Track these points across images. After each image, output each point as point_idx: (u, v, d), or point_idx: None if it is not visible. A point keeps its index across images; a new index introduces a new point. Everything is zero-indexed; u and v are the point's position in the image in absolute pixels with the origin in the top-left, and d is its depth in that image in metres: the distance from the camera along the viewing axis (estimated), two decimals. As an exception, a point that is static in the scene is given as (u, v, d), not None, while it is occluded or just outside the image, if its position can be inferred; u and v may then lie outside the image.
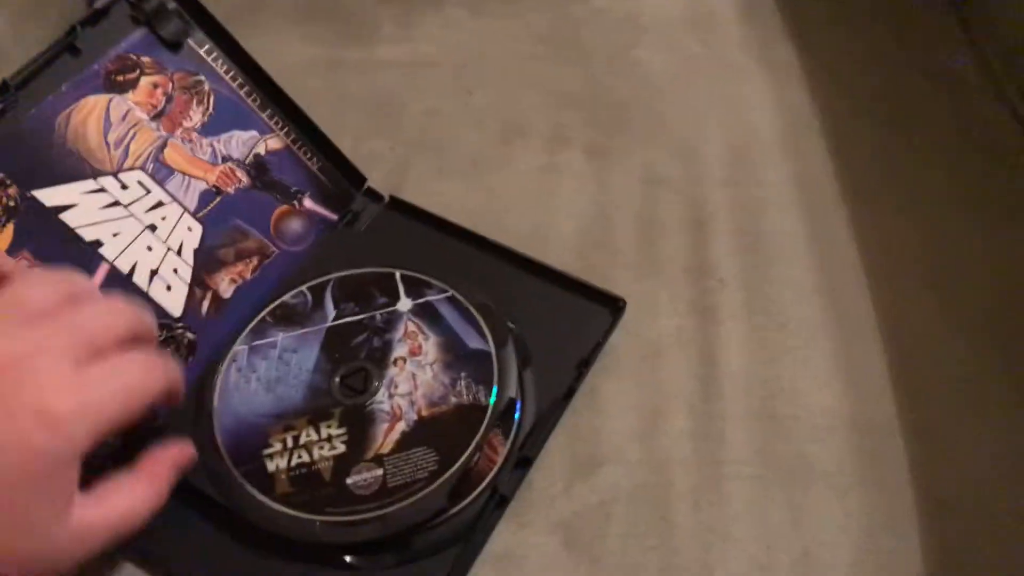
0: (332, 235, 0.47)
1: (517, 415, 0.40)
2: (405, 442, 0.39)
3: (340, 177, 0.49)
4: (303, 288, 0.44)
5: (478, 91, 0.57)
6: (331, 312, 0.43)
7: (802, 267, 0.47)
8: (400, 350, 0.42)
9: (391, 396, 0.40)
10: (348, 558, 0.37)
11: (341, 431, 0.40)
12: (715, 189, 0.50)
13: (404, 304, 0.43)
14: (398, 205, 0.49)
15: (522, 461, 0.40)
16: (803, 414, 0.42)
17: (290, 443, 0.39)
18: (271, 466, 0.39)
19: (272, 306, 0.44)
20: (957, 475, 0.40)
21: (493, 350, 0.41)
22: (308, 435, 0.40)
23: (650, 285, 0.46)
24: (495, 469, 0.39)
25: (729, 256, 0.47)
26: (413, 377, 0.41)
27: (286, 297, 0.44)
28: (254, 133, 0.46)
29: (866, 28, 0.60)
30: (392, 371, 0.41)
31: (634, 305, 0.44)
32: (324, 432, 0.40)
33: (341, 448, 0.39)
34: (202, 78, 0.44)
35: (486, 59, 0.59)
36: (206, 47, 0.44)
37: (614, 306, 0.44)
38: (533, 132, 0.55)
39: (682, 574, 0.38)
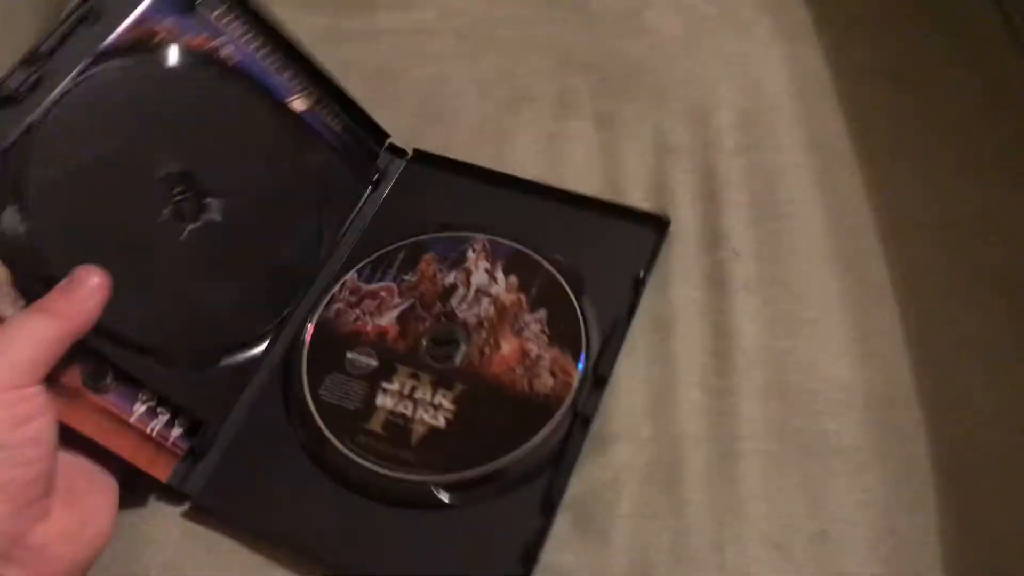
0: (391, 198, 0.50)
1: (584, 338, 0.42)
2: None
3: (364, 135, 0.49)
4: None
5: (482, 57, 0.55)
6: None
7: (817, 236, 0.45)
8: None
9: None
10: (443, 496, 0.38)
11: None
12: (728, 156, 0.49)
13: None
14: (422, 158, 0.50)
15: (598, 381, 0.41)
16: (819, 387, 0.41)
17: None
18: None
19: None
20: (976, 449, 0.39)
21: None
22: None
23: (662, 256, 0.45)
24: (572, 392, 0.40)
25: (743, 225, 0.46)
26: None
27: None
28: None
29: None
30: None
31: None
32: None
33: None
34: (219, 42, 0.43)
35: (489, 24, 0.57)
36: (219, 11, 0.43)
37: (658, 223, 0.46)
38: (540, 99, 0.53)
39: (694, 553, 0.37)
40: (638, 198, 0.48)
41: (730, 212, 0.47)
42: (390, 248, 0.46)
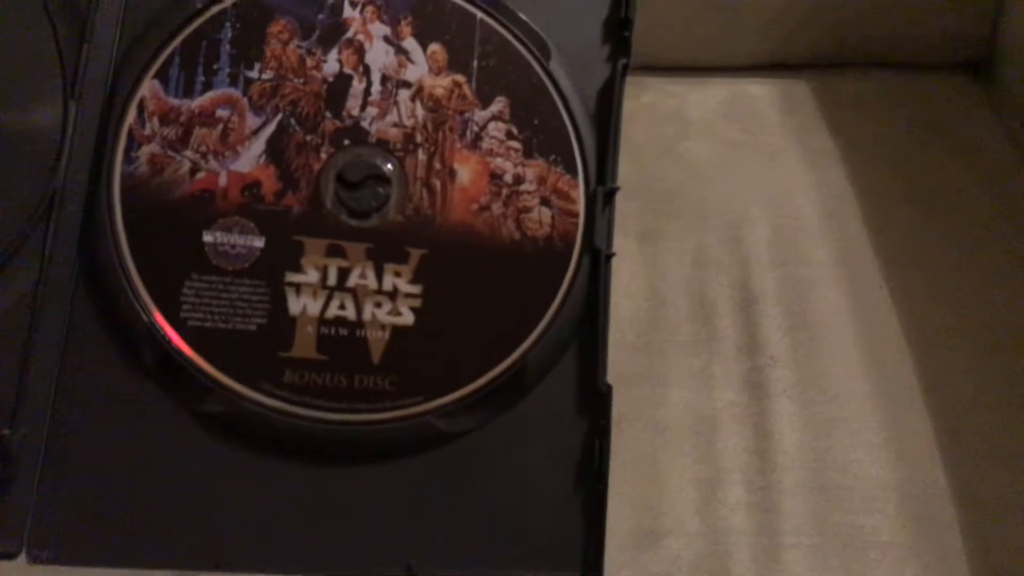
0: None
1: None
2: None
3: None
4: None
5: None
6: None
7: (849, 343, 0.49)
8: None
9: None
10: (448, 424, 0.28)
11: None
12: (762, 270, 0.53)
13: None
14: None
15: (609, 196, 0.30)
16: (856, 485, 0.44)
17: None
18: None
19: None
20: (1008, 544, 0.41)
21: None
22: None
23: (704, 362, 0.49)
24: (581, 221, 0.29)
25: (778, 333, 0.50)
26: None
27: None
28: None
29: (897, 110, 0.63)
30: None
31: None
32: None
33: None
34: None
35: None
36: None
37: None
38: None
39: (745, 641, 0.39)
40: (680, 308, 0.52)
41: (766, 321, 0.51)
42: (202, 22, 0.27)
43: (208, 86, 0.26)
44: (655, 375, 0.48)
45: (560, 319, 0.28)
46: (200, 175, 0.26)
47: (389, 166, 0.27)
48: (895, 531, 0.42)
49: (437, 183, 0.27)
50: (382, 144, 0.27)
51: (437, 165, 0.27)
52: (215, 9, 0.27)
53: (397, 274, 0.27)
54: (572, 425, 0.28)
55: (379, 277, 0.27)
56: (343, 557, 0.25)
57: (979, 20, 0.65)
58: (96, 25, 0.27)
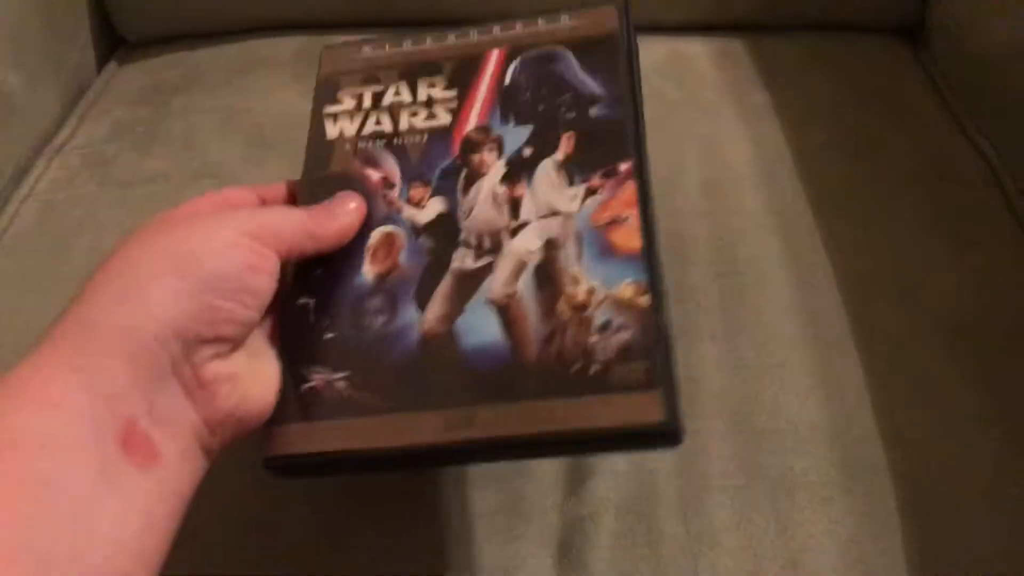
0: None
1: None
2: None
3: None
4: None
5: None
6: None
7: (778, 289, 0.49)
8: None
9: None
10: None
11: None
12: (693, 220, 0.53)
13: None
14: None
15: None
16: (785, 427, 0.43)
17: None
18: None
19: None
20: (935, 480, 0.41)
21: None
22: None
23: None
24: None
25: (707, 281, 0.49)
26: None
27: None
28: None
29: (832, 74, 0.63)
30: None
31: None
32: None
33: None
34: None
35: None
36: None
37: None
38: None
39: (671, 582, 0.38)
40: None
41: (695, 269, 0.50)
42: None
43: None
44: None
45: None
46: None
47: None
48: (823, 472, 0.41)
49: None
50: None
51: None
52: None
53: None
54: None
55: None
56: None
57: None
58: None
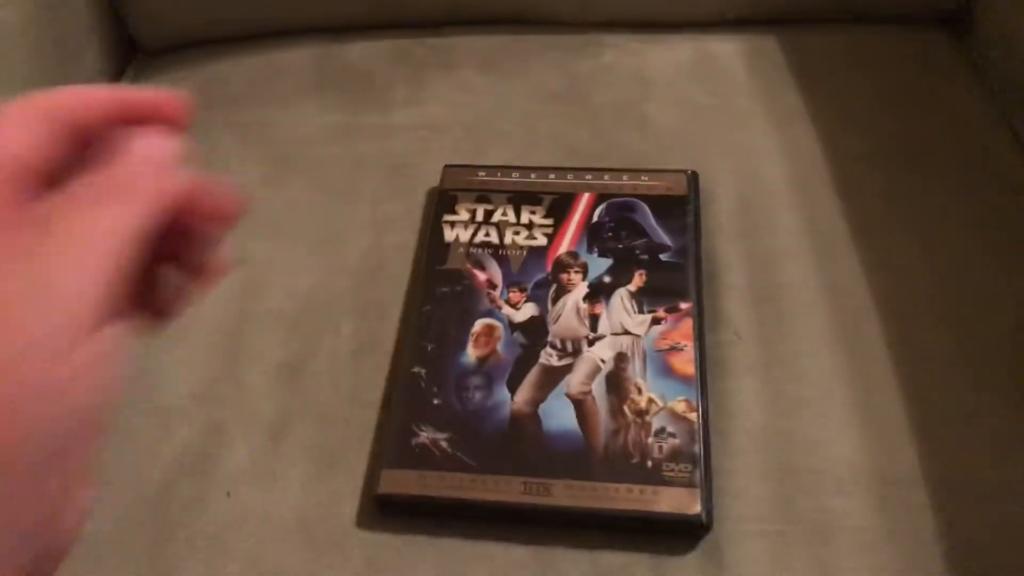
0: None
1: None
2: None
3: None
4: None
5: (490, 151, 0.58)
6: None
7: (817, 317, 0.47)
8: None
9: None
10: None
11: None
12: (727, 240, 0.51)
13: None
14: None
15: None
16: (824, 467, 0.42)
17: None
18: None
19: None
20: (983, 522, 0.39)
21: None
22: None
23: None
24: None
25: (743, 308, 0.48)
26: None
27: None
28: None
29: (871, 73, 0.60)
30: None
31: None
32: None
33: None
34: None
35: (497, 119, 0.60)
36: None
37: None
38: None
39: (708, 636, 0.37)
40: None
41: (731, 295, 0.48)
42: None
43: None
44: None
45: None
46: None
47: None
48: (865, 515, 0.40)
49: None
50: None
51: None
52: None
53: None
54: None
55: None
56: None
57: (954, -28, 0.62)
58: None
